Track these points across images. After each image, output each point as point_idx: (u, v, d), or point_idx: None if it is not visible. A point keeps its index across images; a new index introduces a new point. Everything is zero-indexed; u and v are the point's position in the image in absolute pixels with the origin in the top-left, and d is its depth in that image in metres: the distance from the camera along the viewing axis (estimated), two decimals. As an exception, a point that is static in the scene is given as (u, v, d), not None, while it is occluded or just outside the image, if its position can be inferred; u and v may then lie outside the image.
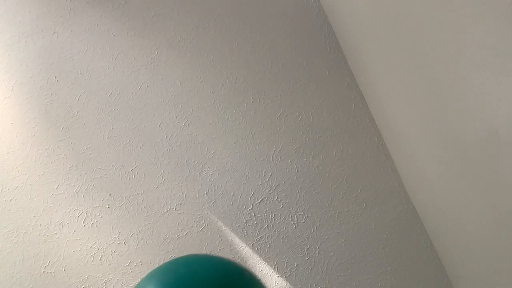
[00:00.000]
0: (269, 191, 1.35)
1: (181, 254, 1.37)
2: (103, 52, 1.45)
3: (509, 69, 0.50)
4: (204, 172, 1.37)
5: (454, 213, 0.94)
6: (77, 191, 1.40)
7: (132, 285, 1.35)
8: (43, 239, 1.39)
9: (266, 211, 1.34)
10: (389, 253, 1.29)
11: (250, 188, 1.35)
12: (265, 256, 1.33)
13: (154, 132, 1.40)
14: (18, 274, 1.39)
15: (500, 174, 0.63)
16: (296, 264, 1.32)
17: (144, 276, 0.57)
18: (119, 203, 1.38)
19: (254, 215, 1.34)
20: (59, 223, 1.39)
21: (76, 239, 1.38)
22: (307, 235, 1.32)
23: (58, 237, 1.39)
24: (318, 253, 1.31)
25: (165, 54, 1.43)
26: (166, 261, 1.28)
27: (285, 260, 1.32)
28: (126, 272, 1.36)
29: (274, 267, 1.32)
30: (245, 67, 1.40)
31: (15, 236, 1.40)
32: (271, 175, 1.35)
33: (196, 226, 1.35)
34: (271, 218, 1.34)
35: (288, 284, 1.31)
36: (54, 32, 1.47)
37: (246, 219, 1.35)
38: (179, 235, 1.35)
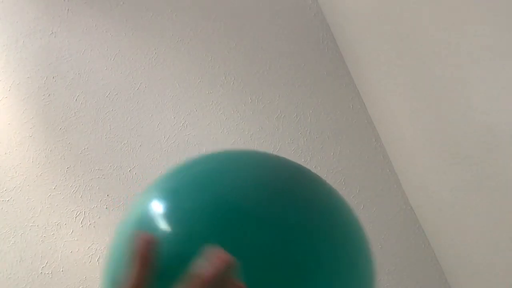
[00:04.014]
0: (267, 192, 1.34)
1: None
2: (101, 52, 1.45)
3: (508, 68, 0.50)
4: (202, 173, 1.37)
5: (451, 214, 0.95)
6: (74, 191, 1.39)
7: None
8: (41, 240, 1.39)
9: (264, 211, 1.34)
10: (387, 254, 1.29)
11: (248, 189, 1.35)
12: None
13: (152, 133, 1.40)
14: (15, 275, 1.38)
15: (498, 174, 0.63)
16: (294, 265, 1.32)
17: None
18: (117, 203, 1.38)
19: (252, 216, 1.34)
20: (56, 223, 1.39)
21: (74, 240, 1.38)
22: (305, 236, 1.32)
23: (55, 238, 1.38)
24: (316, 253, 1.31)
25: (163, 54, 1.43)
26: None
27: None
28: (124, 273, 1.35)
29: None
30: (243, 67, 1.40)
31: (13, 237, 1.40)
32: (269, 175, 1.35)
33: (194, 226, 1.35)
34: (269, 219, 1.34)
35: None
36: (52, 33, 1.47)
37: (244, 219, 1.34)
38: (177, 235, 1.35)
